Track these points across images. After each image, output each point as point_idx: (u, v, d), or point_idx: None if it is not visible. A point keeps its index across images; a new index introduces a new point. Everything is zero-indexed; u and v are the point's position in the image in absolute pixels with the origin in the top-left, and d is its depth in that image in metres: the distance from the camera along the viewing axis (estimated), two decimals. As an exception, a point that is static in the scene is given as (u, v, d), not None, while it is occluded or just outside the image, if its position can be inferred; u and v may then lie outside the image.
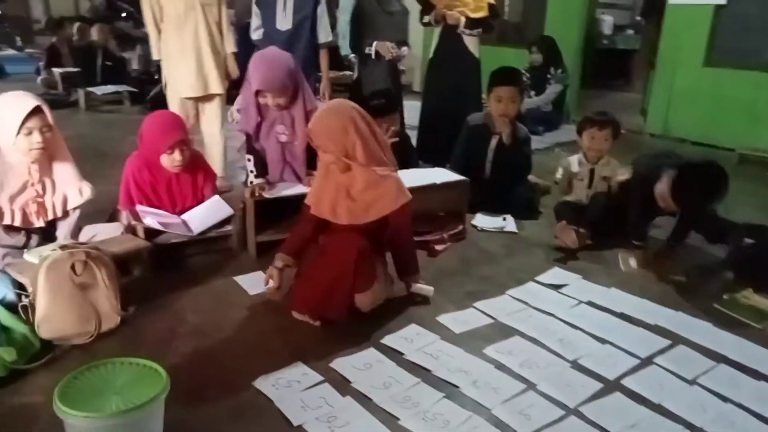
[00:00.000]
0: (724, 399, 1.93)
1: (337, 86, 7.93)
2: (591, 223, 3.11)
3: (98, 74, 6.68)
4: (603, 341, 2.25)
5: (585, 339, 2.26)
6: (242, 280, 2.59)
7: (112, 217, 2.83)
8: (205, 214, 2.80)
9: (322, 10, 3.56)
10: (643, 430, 1.76)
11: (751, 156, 5.25)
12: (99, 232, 2.58)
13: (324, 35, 3.61)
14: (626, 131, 6.34)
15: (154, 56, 3.75)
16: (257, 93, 2.87)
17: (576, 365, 2.08)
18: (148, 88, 6.52)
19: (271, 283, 2.34)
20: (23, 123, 2.27)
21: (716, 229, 3.03)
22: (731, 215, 3.29)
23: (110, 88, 6.57)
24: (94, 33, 6.85)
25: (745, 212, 3.38)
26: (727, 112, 5.62)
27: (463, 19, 4.17)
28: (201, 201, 2.87)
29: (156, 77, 6.86)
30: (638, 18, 9.43)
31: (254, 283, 2.53)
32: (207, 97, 3.74)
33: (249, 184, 2.95)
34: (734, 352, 2.19)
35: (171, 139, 2.68)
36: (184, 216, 2.81)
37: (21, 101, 2.31)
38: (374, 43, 4.05)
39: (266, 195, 2.85)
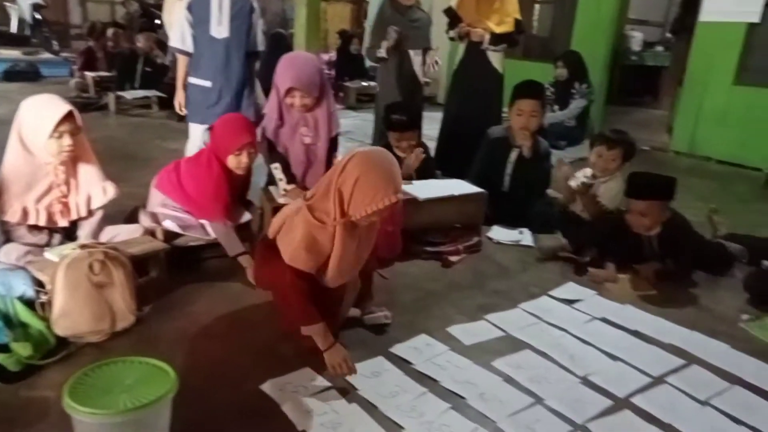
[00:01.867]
0: (738, 422, 1.89)
1: (362, 95, 8.06)
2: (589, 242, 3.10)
3: (137, 79, 6.86)
4: (615, 358, 2.22)
5: (596, 355, 2.23)
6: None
7: (130, 217, 2.89)
8: (223, 219, 2.84)
9: (257, 17, 3.45)
10: (652, 450, 1.74)
11: (779, 176, 5.14)
12: (120, 233, 2.64)
13: (260, 42, 3.50)
14: (650, 148, 6.29)
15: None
16: (286, 93, 2.92)
17: (586, 381, 2.06)
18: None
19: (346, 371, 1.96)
20: (56, 127, 2.34)
21: (714, 261, 2.99)
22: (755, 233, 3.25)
23: (140, 93, 6.73)
24: (141, 40, 7.07)
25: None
26: (756, 131, 5.51)
27: (487, 36, 4.18)
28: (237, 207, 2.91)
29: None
30: (668, 35, 9.33)
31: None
32: None
33: (283, 191, 2.99)
34: (751, 375, 2.15)
35: (242, 140, 2.70)
36: (203, 219, 2.86)
37: (54, 105, 2.38)
38: (383, 43, 4.07)
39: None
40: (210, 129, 2.88)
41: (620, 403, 1.95)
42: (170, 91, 6.83)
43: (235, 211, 2.87)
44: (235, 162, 2.74)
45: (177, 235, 2.71)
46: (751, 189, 4.93)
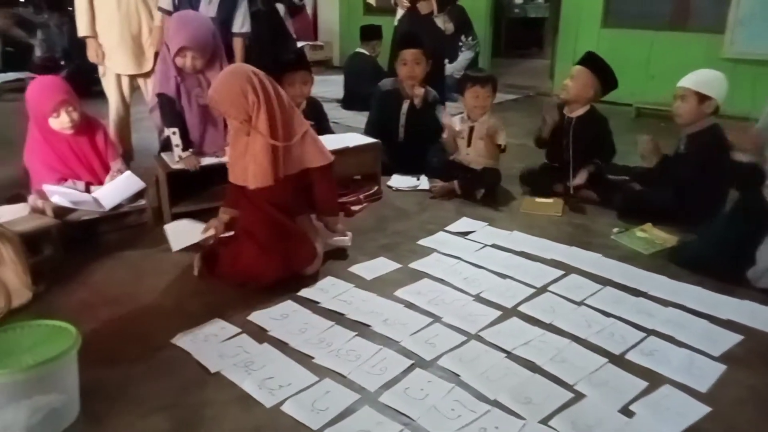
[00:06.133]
0: (607, 315, 2.15)
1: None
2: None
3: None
4: (504, 276, 2.43)
5: (487, 276, 2.44)
6: (171, 230, 2.50)
7: (12, 201, 2.77)
8: (116, 190, 2.79)
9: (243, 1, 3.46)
10: (535, 345, 1.95)
11: (646, 110, 5.66)
12: (3, 214, 2.53)
13: (239, 24, 3.47)
14: (536, 94, 6.68)
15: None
16: (177, 52, 2.88)
17: (478, 298, 2.26)
18: (53, 74, 6.23)
19: (211, 232, 2.43)
20: None
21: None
22: (627, 162, 3.59)
23: (11, 75, 6.26)
24: (-5, 17, 6.51)
25: (638, 160, 3.67)
26: (624, 69, 5.85)
27: (435, 6, 4.88)
28: (106, 163, 2.90)
29: (62, 63, 6.56)
30: (546, -13, 9.79)
31: (180, 235, 2.46)
32: (146, 74, 3.60)
33: (178, 158, 2.95)
34: (619, 276, 2.43)
35: (53, 100, 2.68)
36: (95, 193, 2.79)
37: None
38: None
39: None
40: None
41: (508, 313, 2.16)
42: (42, 72, 6.38)
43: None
44: (58, 123, 2.74)
45: (68, 211, 2.63)
46: (624, 122, 5.38)
